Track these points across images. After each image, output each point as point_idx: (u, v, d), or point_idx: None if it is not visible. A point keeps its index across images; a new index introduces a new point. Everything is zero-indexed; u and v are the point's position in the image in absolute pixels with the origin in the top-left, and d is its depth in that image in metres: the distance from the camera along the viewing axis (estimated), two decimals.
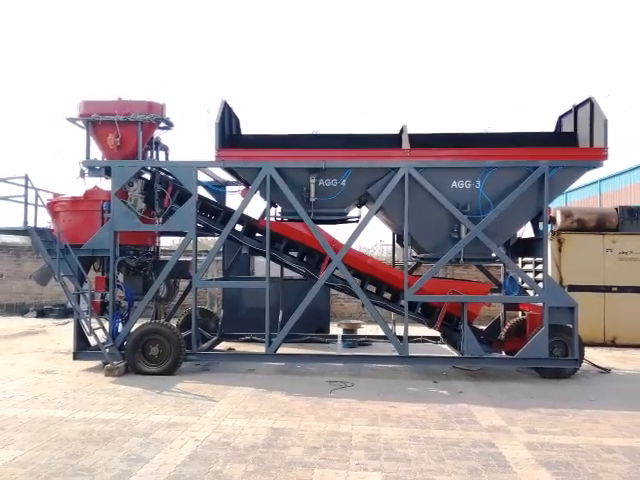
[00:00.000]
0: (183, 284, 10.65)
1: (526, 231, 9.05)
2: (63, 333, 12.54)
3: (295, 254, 9.43)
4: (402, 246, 9.19)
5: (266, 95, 61.13)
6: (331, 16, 62.26)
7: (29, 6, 59.29)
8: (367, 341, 10.98)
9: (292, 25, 65.48)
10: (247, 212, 9.01)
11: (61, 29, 63.87)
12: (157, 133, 9.31)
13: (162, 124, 9.10)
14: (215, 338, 10.20)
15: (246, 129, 9.58)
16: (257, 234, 9.46)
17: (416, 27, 65.35)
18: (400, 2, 59.92)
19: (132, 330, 8.55)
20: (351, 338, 11.11)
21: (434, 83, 61.40)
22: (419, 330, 10.53)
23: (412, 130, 8.68)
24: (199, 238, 9.46)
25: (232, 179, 9.91)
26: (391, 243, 10.79)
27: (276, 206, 8.99)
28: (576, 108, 8.82)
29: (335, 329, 12.07)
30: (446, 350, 9.84)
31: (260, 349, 8.97)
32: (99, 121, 8.62)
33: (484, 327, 10.17)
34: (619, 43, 58.20)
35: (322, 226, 8.87)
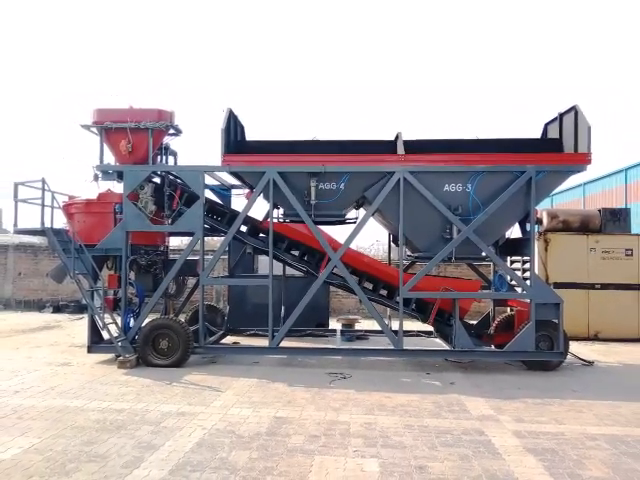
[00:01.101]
0: (191, 281, 10.66)
1: (514, 231, 9.07)
2: (78, 328, 12.54)
3: (296, 253, 9.43)
4: (397, 245, 9.19)
5: (266, 96, 61.12)
6: (331, 19, 62.28)
7: (30, 6, 59.18)
8: (364, 335, 11.00)
9: (293, 29, 65.52)
10: (251, 214, 9.03)
11: (62, 29, 63.76)
12: (166, 139, 9.31)
13: (171, 131, 9.11)
14: (222, 332, 10.21)
15: (249, 131, 9.60)
16: (261, 234, 9.47)
17: (414, 29, 65.37)
18: (399, 5, 59.91)
19: (143, 325, 8.55)
20: (349, 332, 11.12)
21: (432, 84, 61.43)
22: (414, 325, 10.54)
23: (407, 136, 8.71)
24: (206, 238, 9.46)
25: (237, 182, 9.92)
26: (387, 243, 10.80)
27: (279, 208, 9.00)
28: (561, 115, 8.83)
29: (334, 324, 12.06)
30: (439, 344, 9.85)
31: (263, 343, 8.97)
32: (112, 128, 8.63)
33: (475, 322, 10.18)
34: (614, 45, 58.20)
35: (322, 227, 8.88)
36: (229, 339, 10.50)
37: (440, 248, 8.37)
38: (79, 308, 15.51)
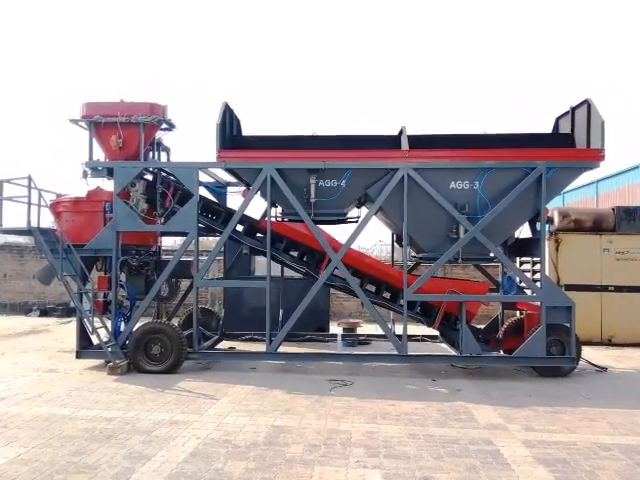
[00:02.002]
0: (185, 283, 10.65)
1: (524, 231, 9.07)
2: (66, 332, 12.54)
3: (295, 254, 9.43)
4: (401, 246, 9.19)
5: (266, 95, 61.16)
6: (331, 16, 62.28)
7: (29, 6, 59.31)
8: (366, 340, 10.99)
9: (292, 25, 65.51)
10: (248, 212, 9.03)
11: (61, 29, 63.89)
12: (159, 134, 9.31)
13: (164, 125, 9.11)
14: (216, 337, 10.20)
15: (246, 129, 9.60)
16: (258, 234, 9.47)
17: (415, 27, 65.37)
18: (400, 2, 59.93)
19: (134, 329, 8.55)
20: (351, 337, 11.12)
21: (434, 83, 61.41)
22: (418, 329, 10.54)
23: (411, 131, 8.71)
24: (200, 238, 9.47)
25: (233, 180, 9.92)
26: (390, 243, 10.80)
27: (277, 206, 9.00)
28: (573, 109, 8.83)
29: (335, 328, 12.06)
30: (445, 349, 9.85)
31: (261, 348, 8.97)
32: (102, 122, 8.63)
33: (482, 326, 10.18)
34: (617, 43, 58.24)
35: (322, 226, 8.88)
36: (224, 344, 10.50)
37: (446, 248, 8.36)
38: (67, 311, 15.50)
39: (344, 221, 9.15)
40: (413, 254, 9.31)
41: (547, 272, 8.70)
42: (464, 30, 59.18)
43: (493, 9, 60.08)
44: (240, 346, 10.35)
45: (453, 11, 57.94)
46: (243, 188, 9.62)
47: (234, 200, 10.69)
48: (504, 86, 60.19)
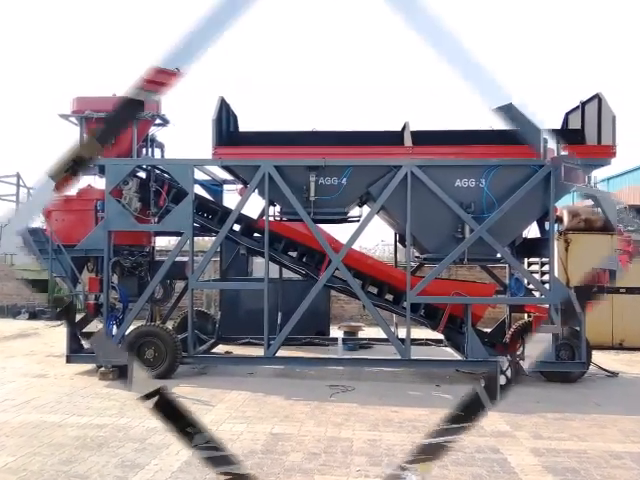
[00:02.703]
0: (179, 285, 10.65)
1: (532, 231, 9.06)
2: (56, 335, 12.52)
3: (294, 254, 9.43)
4: (404, 246, 9.19)
5: (265, 95, 61.22)
6: (331, 15, 62.33)
7: (29, 5, 59.43)
8: (368, 344, 10.99)
9: (292, 24, 65.57)
10: (245, 211, 9.02)
11: (60, 28, 64.01)
12: (152, 130, 9.31)
13: (158, 121, 9.10)
14: (212, 341, 10.20)
15: (244, 126, 9.60)
16: (255, 234, 9.46)
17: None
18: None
19: (127, 332, 8.55)
20: (352, 341, 11.13)
21: (434, 83, 61.44)
22: (422, 333, 10.53)
23: (415, 127, 8.70)
24: (196, 238, 9.46)
25: (230, 177, 9.92)
26: (393, 243, 10.80)
27: (275, 205, 9.00)
28: (583, 104, 8.83)
29: (335, 331, 12.06)
30: (449, 353, 9.84)
31: (259, 352, 8.96)
32: (93, 118, 8.63)
33: (489, 329, 10.17)
34: (621, 41, 58.25)
35: (322, 225, 8.88)
36: (221, 348, 10.50)
37: (451, 249, 8.35)
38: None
39: (345, 220, 9.14)
40: (417, 255, 9.31)
41: (556, 273, 8.68)
42: (467, 27, 59.15)
43: (496, 7, 60.09)
44: (237, 350, 10.35)
45: (456, 9, 57.91)
46: (240, 186, 9.61)
47: (231, 198, 10.69)
48: (507, 84, 60.10)
